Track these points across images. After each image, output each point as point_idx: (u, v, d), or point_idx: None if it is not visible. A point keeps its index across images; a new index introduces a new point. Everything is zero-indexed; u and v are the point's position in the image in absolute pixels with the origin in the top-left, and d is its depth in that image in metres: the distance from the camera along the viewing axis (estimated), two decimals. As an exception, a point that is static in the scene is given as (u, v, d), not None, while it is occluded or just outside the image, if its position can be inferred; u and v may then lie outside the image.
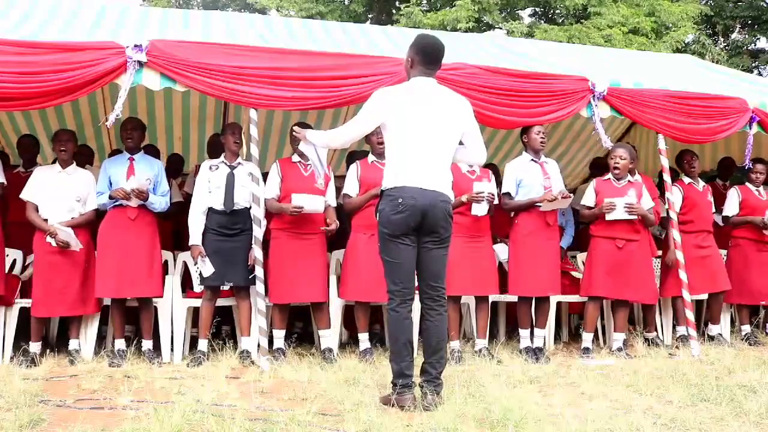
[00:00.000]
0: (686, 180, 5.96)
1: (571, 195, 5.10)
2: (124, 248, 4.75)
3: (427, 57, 3.60)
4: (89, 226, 4.89)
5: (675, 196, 5.72)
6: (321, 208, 4.82)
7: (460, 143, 3.68)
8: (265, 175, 5.05)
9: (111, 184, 4.84)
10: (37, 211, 4.78)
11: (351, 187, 4.99)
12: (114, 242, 4.77)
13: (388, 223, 3.49)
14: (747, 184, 6.15)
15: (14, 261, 5.12)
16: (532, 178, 5.11)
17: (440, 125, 3.55)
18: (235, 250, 4.85)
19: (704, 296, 5.96)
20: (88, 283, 4.81)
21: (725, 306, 6.08)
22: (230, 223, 4.89)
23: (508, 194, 5.16)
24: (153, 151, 5.85)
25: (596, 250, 5.24)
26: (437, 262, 3.58)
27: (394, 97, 3.56)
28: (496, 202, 5.06)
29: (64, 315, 4.93)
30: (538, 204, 5.04)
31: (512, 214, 5.24)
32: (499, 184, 5.30)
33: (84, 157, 5.99)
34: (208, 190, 4.92)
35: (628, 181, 5.29)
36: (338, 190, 5.19)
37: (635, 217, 5.13)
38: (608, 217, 5.09)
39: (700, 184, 5.96)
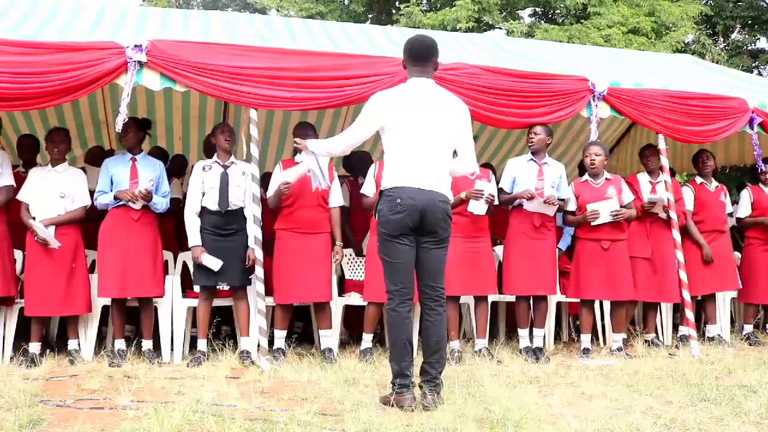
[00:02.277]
0: (698, 180, 5.98)
1: (557, 202, 5.05)
2: (127, 248, 4.75)
3: (414, 54, 3.61)
4: (78, 223, 4.88)
5: (687, 196, 5.74)
6: (303, 170, 4.54)
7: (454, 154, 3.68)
8: (264, 176, 5.03)
9: (113, 183, 4.84)
10: (28, 210, 4.79)
11: (368, 187, 4.99)
12: (117, 242, 4.76)
13: (387, 222, 3.49)
14: (759, 185, 6.18)
15: (14, 261, 5.11)
16: (525, 177, 5.11)
17: (438, 126, 3.54)
18: (230, 250, 4.83)
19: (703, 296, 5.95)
20: (77, 283, 4.79)
21: (725, 306, 6.08)
22: (224, 224, 4.88)
23: (502, 190, 5.18)
24: (160, 154, 5.85)
25: (582, 253, 5.25)
26: (436, 262, 3.58)
27: (392, 99, 3.57)
28: (496, 202, 5.06)
29: (53, 315, 4.94)
30: (521, 202, 5.06)
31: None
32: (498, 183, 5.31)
33: (97, 157, 5.99)
34: (201, 191, 4.89)
35: (606, 178, 5.27)
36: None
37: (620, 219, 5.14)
38: (594, 223, 5.10)
39: (713, 185, 5.97)
